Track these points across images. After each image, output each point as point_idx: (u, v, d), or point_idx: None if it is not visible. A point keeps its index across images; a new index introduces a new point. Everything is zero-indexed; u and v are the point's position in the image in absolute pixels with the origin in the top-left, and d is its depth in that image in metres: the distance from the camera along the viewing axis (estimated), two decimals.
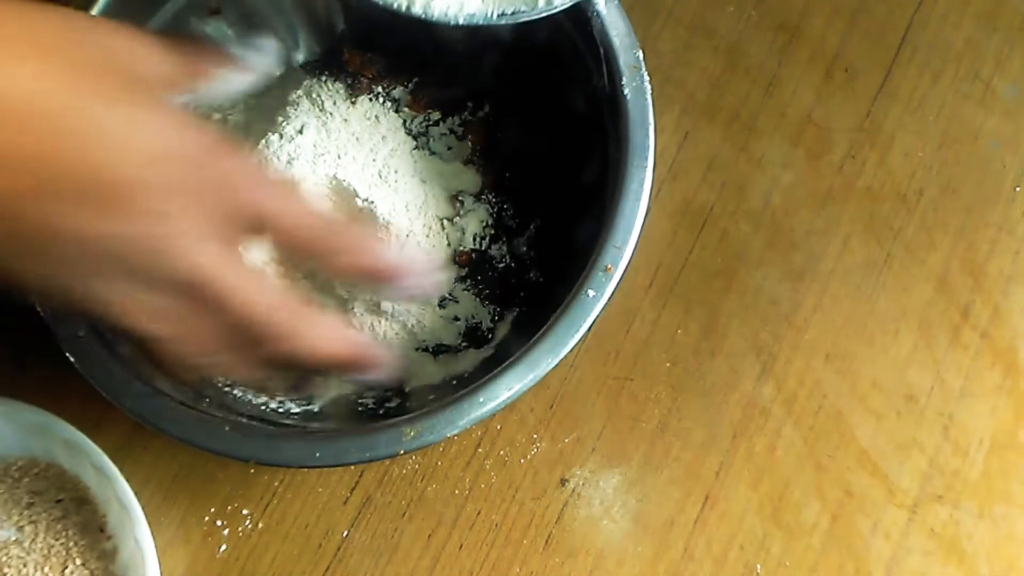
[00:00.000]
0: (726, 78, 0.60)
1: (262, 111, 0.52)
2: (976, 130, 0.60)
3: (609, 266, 0.43)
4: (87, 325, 0.42)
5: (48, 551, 0.48)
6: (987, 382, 0.56)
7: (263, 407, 0.48)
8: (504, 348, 0.49)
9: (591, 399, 0.54)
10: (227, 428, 0.41)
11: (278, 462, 0.42)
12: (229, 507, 0.51)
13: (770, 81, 0.60)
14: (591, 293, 0.43)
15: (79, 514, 0.49)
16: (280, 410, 0.48)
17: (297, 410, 0.48)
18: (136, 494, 0.48)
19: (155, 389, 0.42)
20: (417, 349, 0.51)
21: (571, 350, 0.42)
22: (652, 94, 0.46)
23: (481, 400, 0.41)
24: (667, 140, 0.58)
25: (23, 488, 0.49)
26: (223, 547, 0.51)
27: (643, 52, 0.47)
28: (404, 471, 0.52)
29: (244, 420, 0.43)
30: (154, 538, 0.49)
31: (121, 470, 0.48)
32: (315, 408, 0.48)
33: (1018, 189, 0.59)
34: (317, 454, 0.41)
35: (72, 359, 0.42)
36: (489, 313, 0.52)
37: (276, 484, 0.52)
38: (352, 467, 0.52)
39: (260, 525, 0.51)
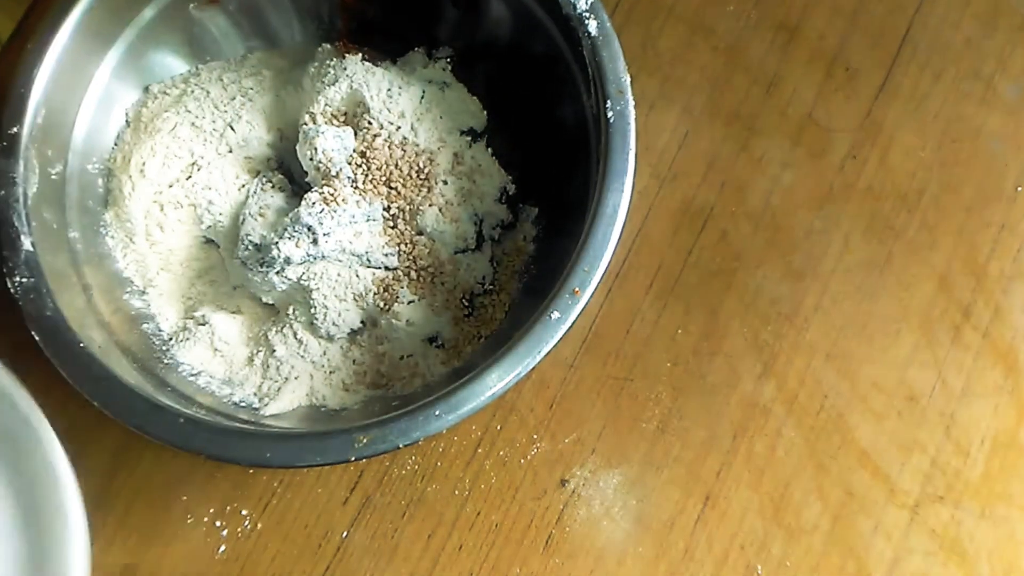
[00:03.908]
0: (726, 77, 0.60)
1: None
2: (977, 129, 0.60)
3: (577, 289, 0.43)
4: (53, 304, 0.43)
5: None
6: (988, 382, 0.56)
7: (225, 400, 0.48)
8: (474, 360, 0.49)
9: (591, 399, 0.54)
10: (181, 420, 0.41)
11: (228, 458, 0.42)
12: (228, 507, 0.51)
13: (770, 80, 0.60)
14: (555, 315, 0.42)
15: None
16: (243, 404, 0.48)
17: (258, 406, 0.48)
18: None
19: (115, 375, 0.42)
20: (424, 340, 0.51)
21: (531, 369, 0.42)
22: (636, 119, 0.46)
23: (437, 413, 0.41)
24: (667, 140, 0.58)
25: None
26: (222, 548, 0.51)
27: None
28: (404, 471, 0.52)
29: (201, 414, 0.43)
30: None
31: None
32: (276, 408, 0.48)
33: (1019, 188, 0.59)
34: (268, 454, 0.41)
35: (36, 337, 0.42)
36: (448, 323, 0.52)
37: (275, 484, 0.52)
38: (352, 467, 0.52)
39: (259, 525, 0.51)
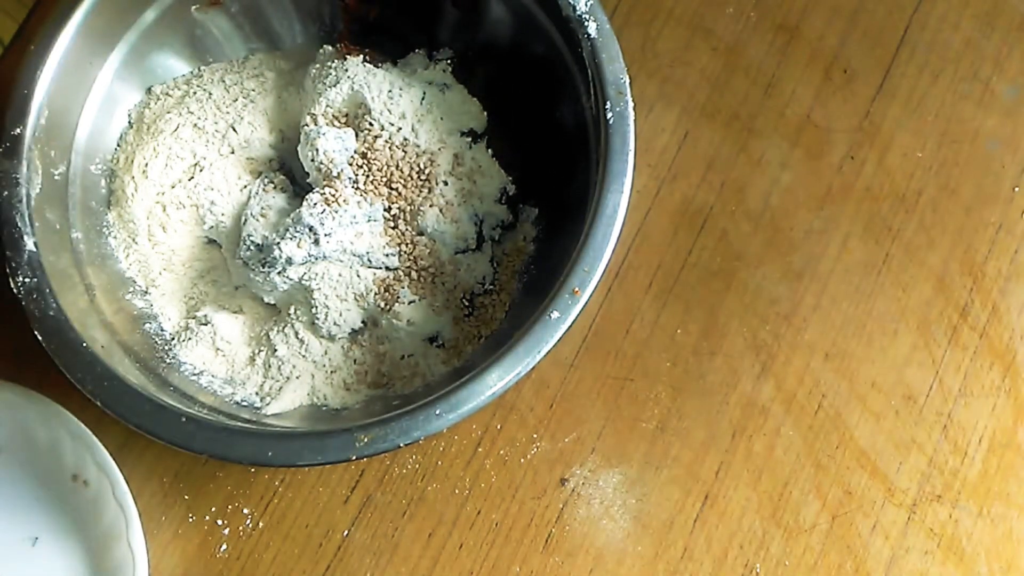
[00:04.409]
0: (725, 78, 0.60)
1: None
2: (975, 130, 0.60)
3: (576, 289, 0.43)
4: (56, 304, 0.43)
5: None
6: (986, 382, 0.56)
7: (227, 399, 0.48)
8: (474, 360, 0.49)
9: (591, 399, 0.54)
10: (183, 420, 0.42)
11: (230, 457, 0.42)
12: (230, 506, 0.51)
13: (769, 81, 0.60)
14: (555, 315, 0.43)
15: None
16: (244, 403, 0.49)
17: (259, 405, 0.49)
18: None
19: (118, 375, 0.42)
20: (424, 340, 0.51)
21: (531, 369, 0.42)
22: (636, 120, 0.46)
23: (437, 413, 0.41)
24: (667, 140, 0.59)
25: None
26: (223, 546, 0.51)
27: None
28: (404, 471, 0.52)
29: (203, 413, 0.43)
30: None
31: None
32: (277, 407, 0.49)
33: (1017, 189, 0.59)
34: (270, 453, 0.41)
35: (39, 337, 0.42)
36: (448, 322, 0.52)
37: (277, 483, 0.52)
38: (352, 466, 0.52)
39: (261, 524, 0.51)
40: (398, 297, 0.49)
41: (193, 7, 0.52)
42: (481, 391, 0.42)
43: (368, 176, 0.50)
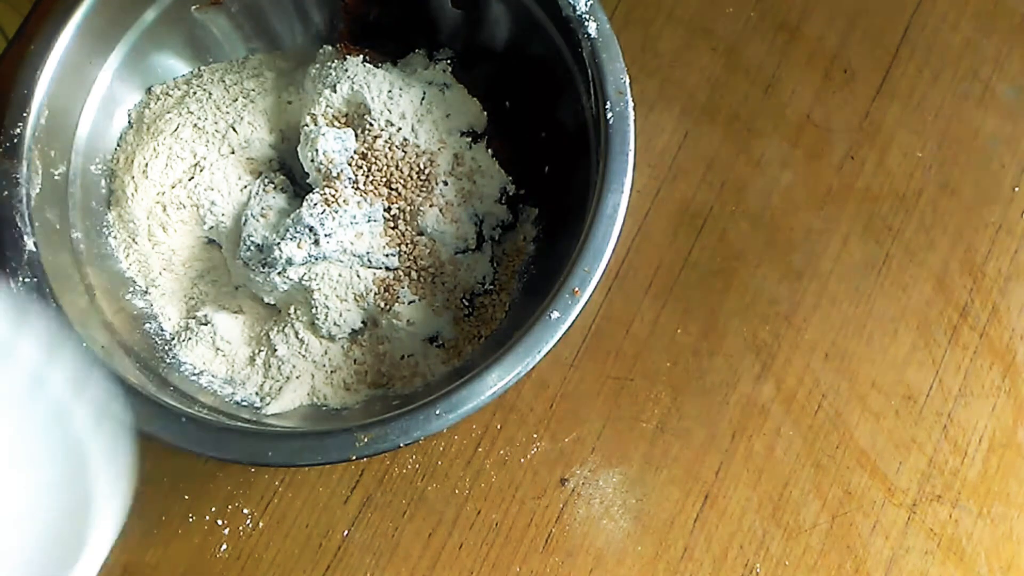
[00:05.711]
0: (725, 78, 0.60)
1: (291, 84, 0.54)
2: (975, 130, 0.60)
3: (576, 289, 0.43)
4: (56, 304, 0.43)
5: None
6: (986, 382, 0.56)
7: (227, 399, 0.48)
8: (474, 360, 0.49)
9: (591, 399, 0.54)
10: (183, 420, 0.41)
11: (229, 458, 0.42)
12: (230, 506, 0.51)
13: (769, 81, 0.60)
14: (555, 315, 0.43)
15: None
16: (244, 403, 0.49)
17: (259, 405, 0.49)
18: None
19: (119, 376, 0.42)
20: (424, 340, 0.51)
21: (531, 369, 0.42)
22: (636, 120, 0.46)
23: (437, 412, 0.41)
24: (667, 140, 0.59)
25: None
26: (224, 546, 0.51)
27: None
28: (404, 471, 0.52)
29: (203, 413, 0.43)
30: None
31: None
32: (277, 407, 0.49)
33: (1017, 189, 0.59)
34: (270, 453, 0.41)
35: None
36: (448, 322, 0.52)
37: (277, 483, 0.52)
38: (352, 466, 0.52)
39: (261, 524, 0.51)
40: (398, 297, 0.49)
41: (193, 7, 0.52)
42: (481, 391, 0.42)
43: (368, 176, 0.50)
